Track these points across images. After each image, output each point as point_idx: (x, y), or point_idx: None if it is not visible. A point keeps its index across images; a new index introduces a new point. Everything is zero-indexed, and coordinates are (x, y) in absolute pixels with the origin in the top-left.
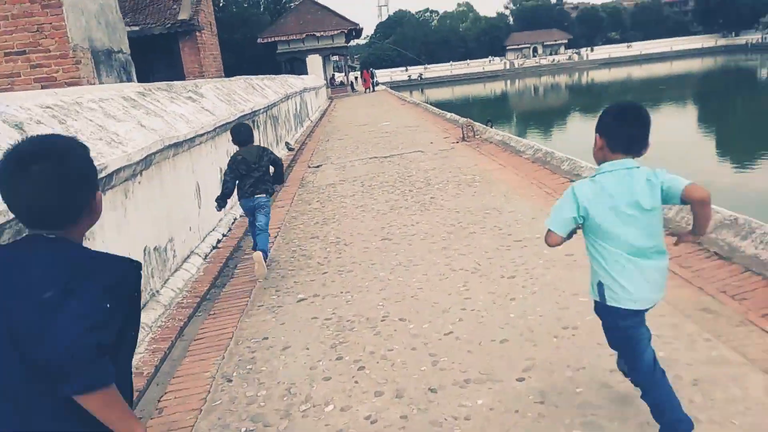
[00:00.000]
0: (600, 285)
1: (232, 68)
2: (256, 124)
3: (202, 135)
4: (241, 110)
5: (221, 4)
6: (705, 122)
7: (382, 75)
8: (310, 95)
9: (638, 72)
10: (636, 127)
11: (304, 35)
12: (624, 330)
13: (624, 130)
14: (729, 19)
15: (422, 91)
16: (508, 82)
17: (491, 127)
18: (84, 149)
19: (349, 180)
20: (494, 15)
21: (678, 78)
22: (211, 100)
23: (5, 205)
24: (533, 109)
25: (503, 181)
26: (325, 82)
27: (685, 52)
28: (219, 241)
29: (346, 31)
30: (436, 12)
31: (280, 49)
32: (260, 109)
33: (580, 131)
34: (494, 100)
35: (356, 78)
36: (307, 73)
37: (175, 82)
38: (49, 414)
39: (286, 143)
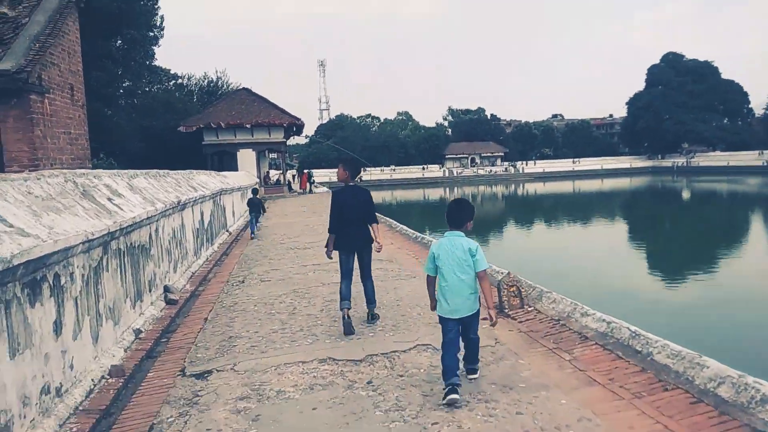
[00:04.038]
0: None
1: (149, 160)
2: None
3: None
4: None
5: (146, 89)
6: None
7: (322, 175)
8: (233, 197)
9: (571, 187)
10: (452, 212)
11: (236, 124)
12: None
13: (449, 213)
14: (653, 143)
15: None
16: (447, 189)
17: None
18: None
19: None
20: (433, 125)
21: (609, 194)
22: None
23: None
24: (482, 218)
25: None
26: (258, 180)
27: (615, 171)
28: None
29: (285, 125)
30: (378, 118)
31: (207, 140)
32: (46, 257)
33: (531, 247)
34: (434, 207)
35: (293, 176)
36: (237, 169)
37: None
38: (366, 226)
39: (165, 289)
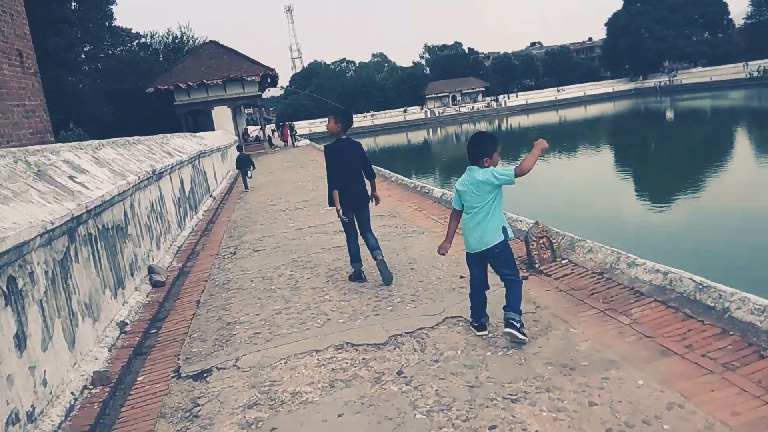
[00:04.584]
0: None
1: (120, 126)
2: None
3: None
4: None
5: (109, 52)
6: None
7: (302, 127)
8: (213, 159)
9: (555, 117)
10: (469, 147)
11: (209, 82)
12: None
13: (467, 148)
14: (635, 64)
15: None
16: (431, 130)
17: None
18: None
19: None
20: (410, 64)
21: (593, 122)
22: None
23: None
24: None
25: None
26: (236, 138)
27: (597, 96)
28: None
29: (259, 78)
30: (353, 62)
31: (178, 100)
32: None
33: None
34: (419, 150)
35: (273, 131)
36: (213, 128)
37: None
38: (363, 180)
39: (150, 270)
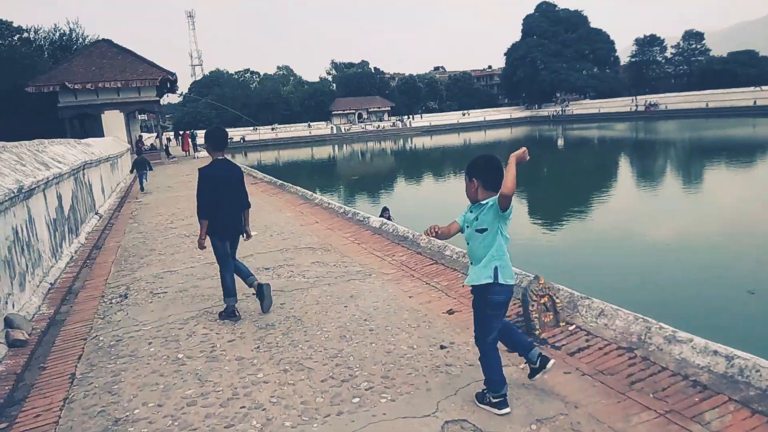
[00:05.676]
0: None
1: None
2: None
3: None
4: None
5: None
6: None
7: (201, 137)
8: (100, 170)
9: (456, 140)
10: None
11: (100, 85)
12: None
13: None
14: (531, 93)
15: (245, 154)
16: (336, 146)
17: (389, 218)
18: None
19: None
20: (317, 79)
21: (492, 146)
22: None
23: None
24: (378, 174)
25: None
26: (129, 146)
27: (497, 122)
28: None
29: (157, 82)
30: (257, 74)
31: (63, 102)
32: None
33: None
34: (325, 166)
35: (169, 140)
36: (102, 134)
37: None
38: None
39: (7, 323)
